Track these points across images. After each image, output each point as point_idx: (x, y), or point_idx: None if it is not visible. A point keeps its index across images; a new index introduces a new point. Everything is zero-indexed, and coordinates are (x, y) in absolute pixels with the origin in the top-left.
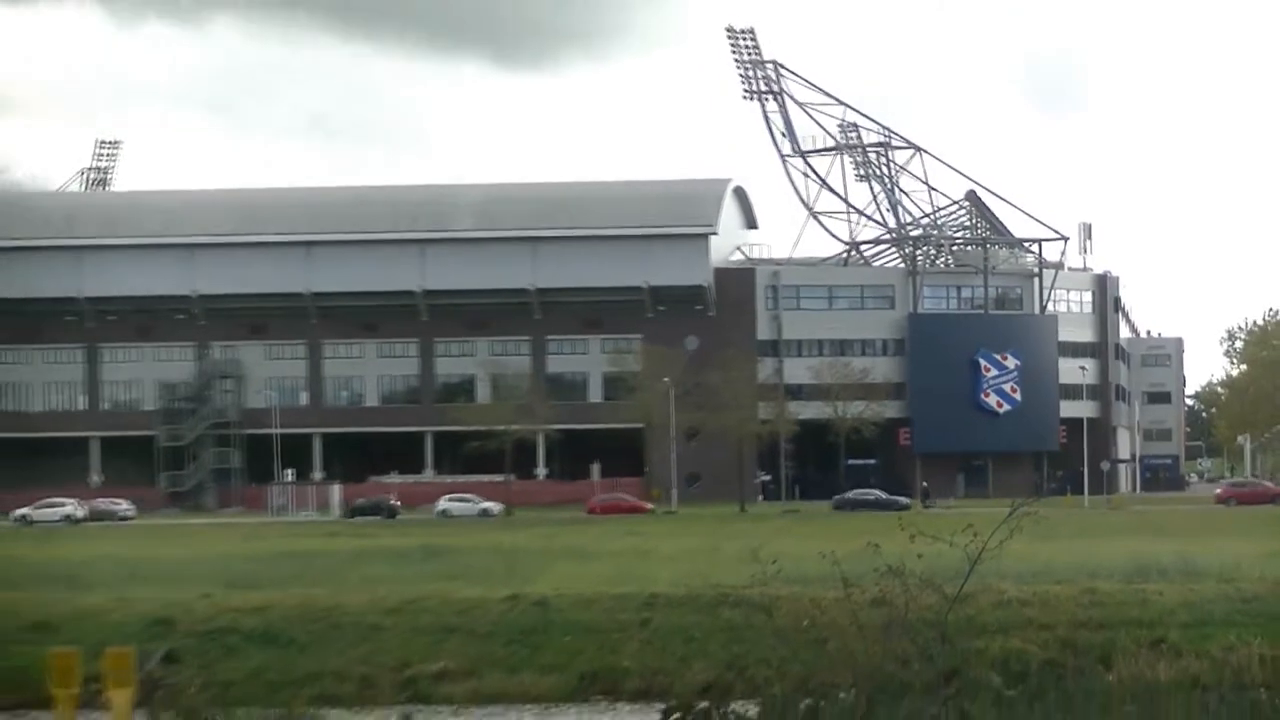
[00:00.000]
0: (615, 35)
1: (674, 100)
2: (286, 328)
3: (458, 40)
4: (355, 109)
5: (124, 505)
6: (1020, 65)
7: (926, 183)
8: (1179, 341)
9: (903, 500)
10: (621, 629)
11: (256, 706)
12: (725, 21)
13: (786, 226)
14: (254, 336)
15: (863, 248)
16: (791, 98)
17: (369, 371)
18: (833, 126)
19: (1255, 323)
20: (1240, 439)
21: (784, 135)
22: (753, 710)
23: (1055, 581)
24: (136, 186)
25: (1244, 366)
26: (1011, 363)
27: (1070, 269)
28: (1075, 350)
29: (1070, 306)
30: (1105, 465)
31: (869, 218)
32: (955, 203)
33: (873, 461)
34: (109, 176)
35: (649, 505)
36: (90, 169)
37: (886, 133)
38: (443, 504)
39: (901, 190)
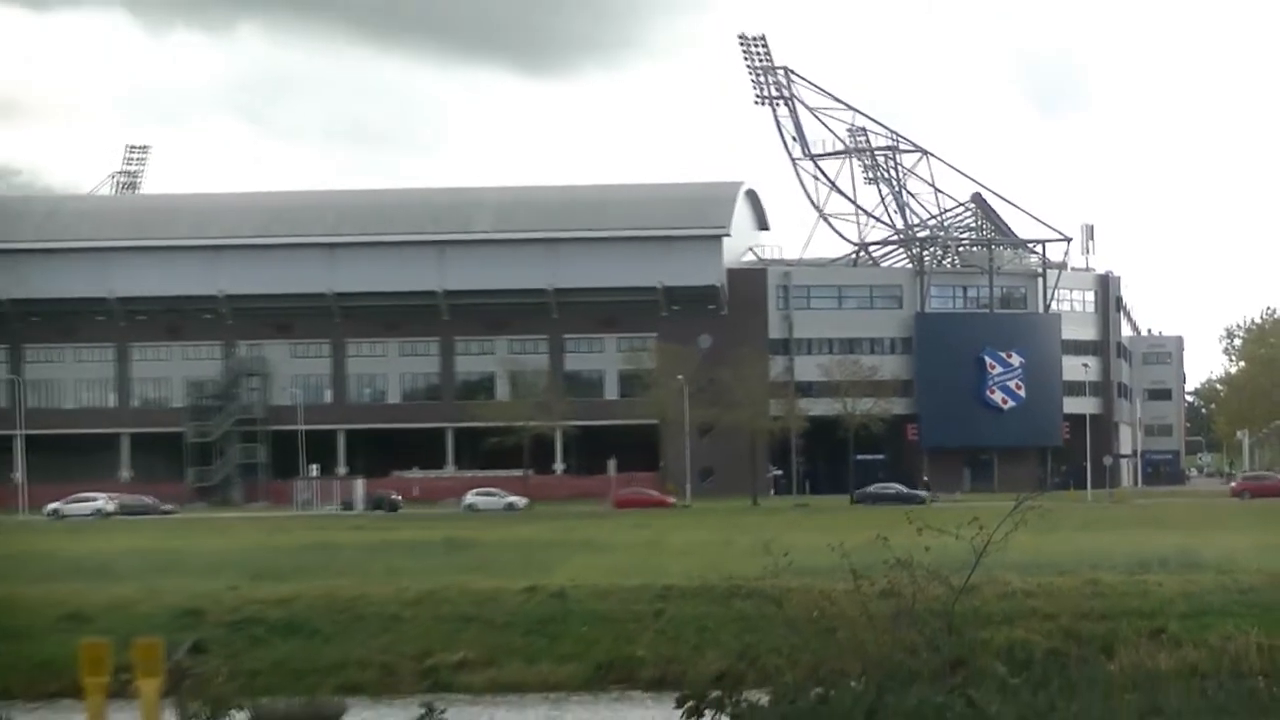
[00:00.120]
0: (632, 44)
1: (688, 106)
2: (311, 327)
3: (479, 48)
4: (378, 115)
5: (151, 500)
6: (1023, 71)
7: (933, 185)
8: (1179, 340)
9: (921, 494)
10: (636, 619)
11: (282, 695)
12: (738, 29)
13: (797, 228)
14: (279, 335)
15: (871, 249)
16: (802, 103)
17: (391, 369)
18: (842, 131)
19: (1253, 321)
20: (1239, 434)
21: (794, 139)
22: (765, 698)
23: (1059, 573)
24: (165, 190)
25: (1242, 364)
26: (1016, 360)
27: (1073, 269)
28: (1078, 348)
29: (1073, 305)
30: (1108, 460)
31: (877, 219)
32: (961, 205)
33: (881, 457)
34: (138, 180)
35: (672, 499)
36: (120, 173)
37: (894, 137)
38: (470, 498)
39: (909, 193)
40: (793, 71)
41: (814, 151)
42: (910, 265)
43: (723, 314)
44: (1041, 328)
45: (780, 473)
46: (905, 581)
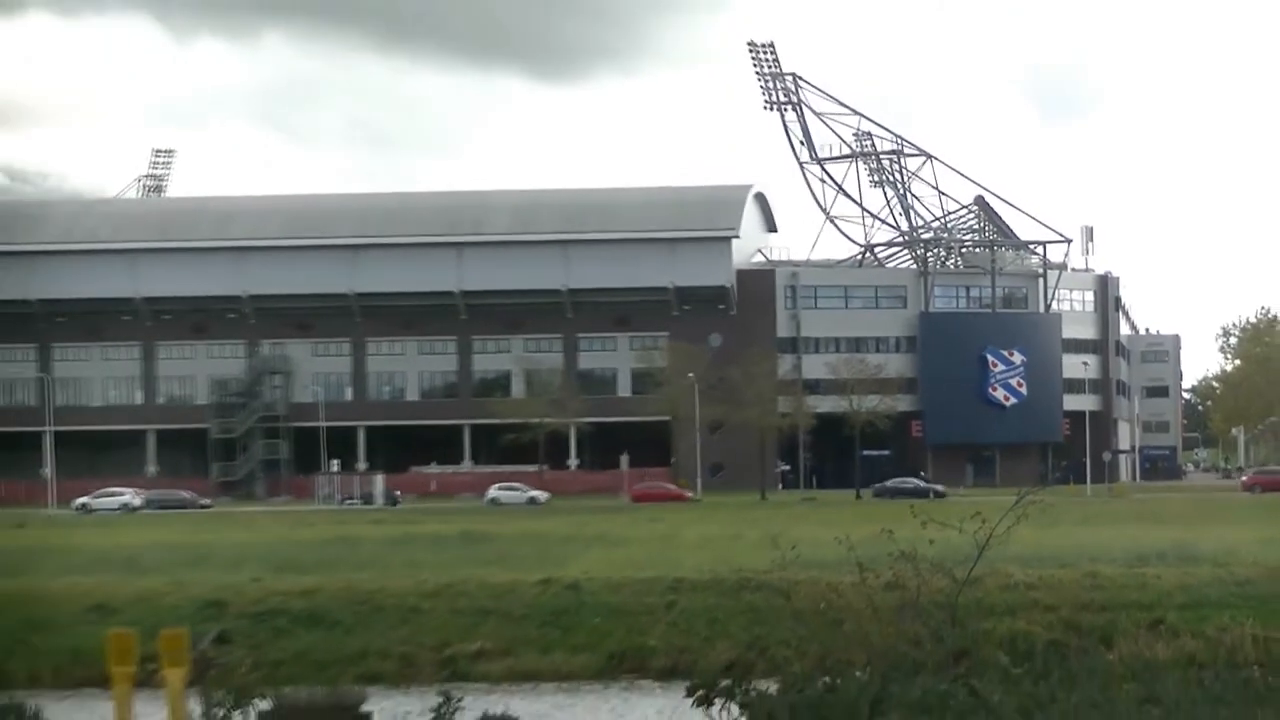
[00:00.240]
0: (644, 50)
1: (698, 111)
2: (332, 326)
3: (495, 56)
4: (397, 120)
5: (188, 494)
6: (1025, 77)
7: (937, 188)
8: (1176, 338)
9: (938, 489)
10: (648, 611)
11: (304, 685)
12: (747, 37)
13: (805, 230)
14: (301, 335)
15: (877, 250)
16: (809, 108)
17: (410, 367)
18: (848, 135)
19: (1249, 320)
20: (1234, 431)
21: (802, 143)
22: (773, 688)
23: (1059, 566)
24: (190, 193)
25: (1238, 362)
26: (1018, 359)
27: (1073, 270)
28: (1078, 347)
29: (1073, 305)
30: (1107, 456)
31: (883, 221)
32: (964, 207)
33: (886, 452)
34: (164, 184)
35: (689, 494)
36: (146, 177)
37: (899, 141)
38: (493, 492)
39: (913, 195)
40: (800, 78)
41: (821, 155)
42: (914, 266)
43: (732, 314)
44: (1042, 327)
45: (788, 468)
46: (910, 574)
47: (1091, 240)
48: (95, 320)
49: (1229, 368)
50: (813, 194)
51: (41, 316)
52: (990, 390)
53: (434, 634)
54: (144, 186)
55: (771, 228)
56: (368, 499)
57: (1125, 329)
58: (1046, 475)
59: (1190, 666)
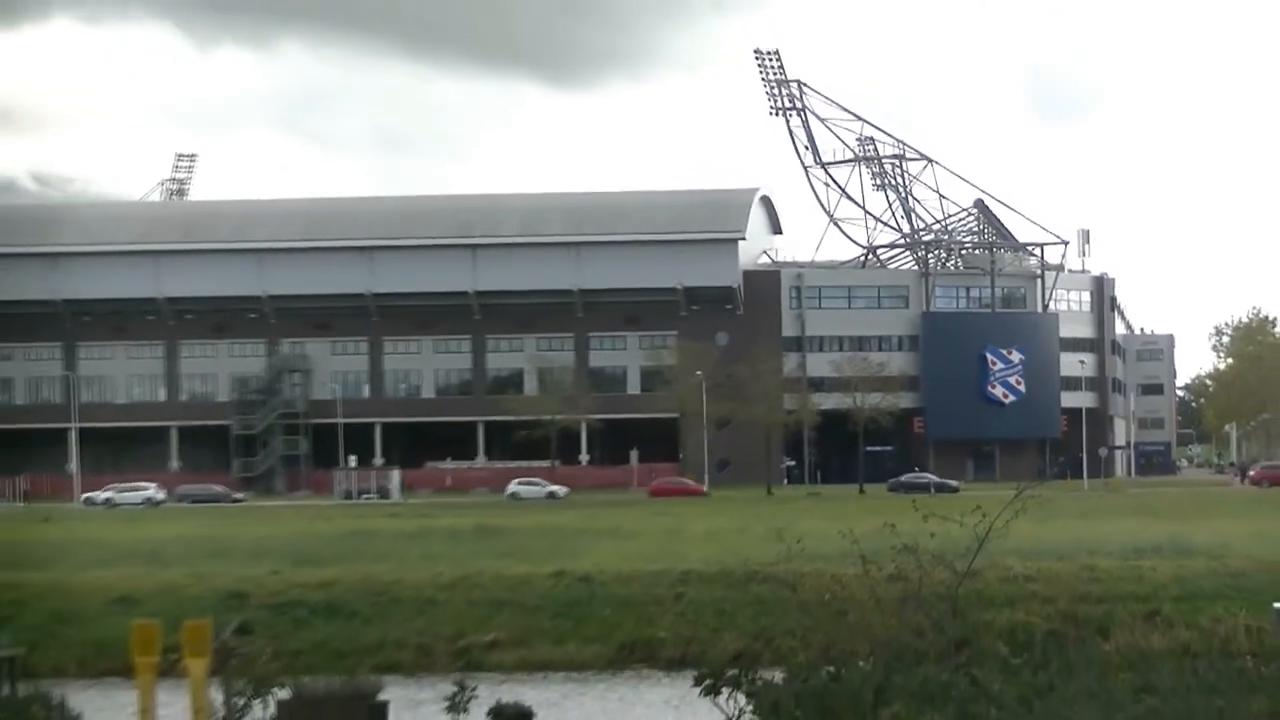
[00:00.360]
0: (653, 57)
1: (706, 116)
2: (350, 326)
3: (508, 62)
4: (412, 125)
5: (221, 489)
6: (1023, 84)
7: (938, 191)
8: (1170, 338)
9: (952, 484)
10: (658, 602)
11: (322, 674)
12: (753, 44)
13: (809, 232)
14: (320, 334)
15: (879, 251)
16: (814, 114)
17: (425, 366)
18: (852, 140)
19: (1241, 320)
20: (1227, 427)
21: (807, 148)
22: (779, 677)
23: (1057, 558)
24: (212, 196)
25: (1230, 360)
26: (1016, 357)
27: (1070, 271)
28: (1075, 346)
29: (1070, 305)
30: (1103, 451)
31: (885, 224)
32: (964, 210)
33: (889, 448)
34: (187, 187)
35: (705, 488)
36: (169, 180)
37: (901, 146)
38: (513, 487)
39: (915, 198)
40: (805, 84)
41: (825, 160)
42: (916, 267)
43: (739, 313)
44: (1040, 326)
45: (793, 463)
46: (912, 566)
47: (1088, 242)
48: (120, 319)
49: (1222, 366)
50: (817, 197)
51: (67, 316)
52: (990, 388)
53: (449, 625)
54: (167, 190)
55: (777, 230)
56: (384, 493)
57: (1121, 328)
58: (1045, 470)
59: (1185, 656)
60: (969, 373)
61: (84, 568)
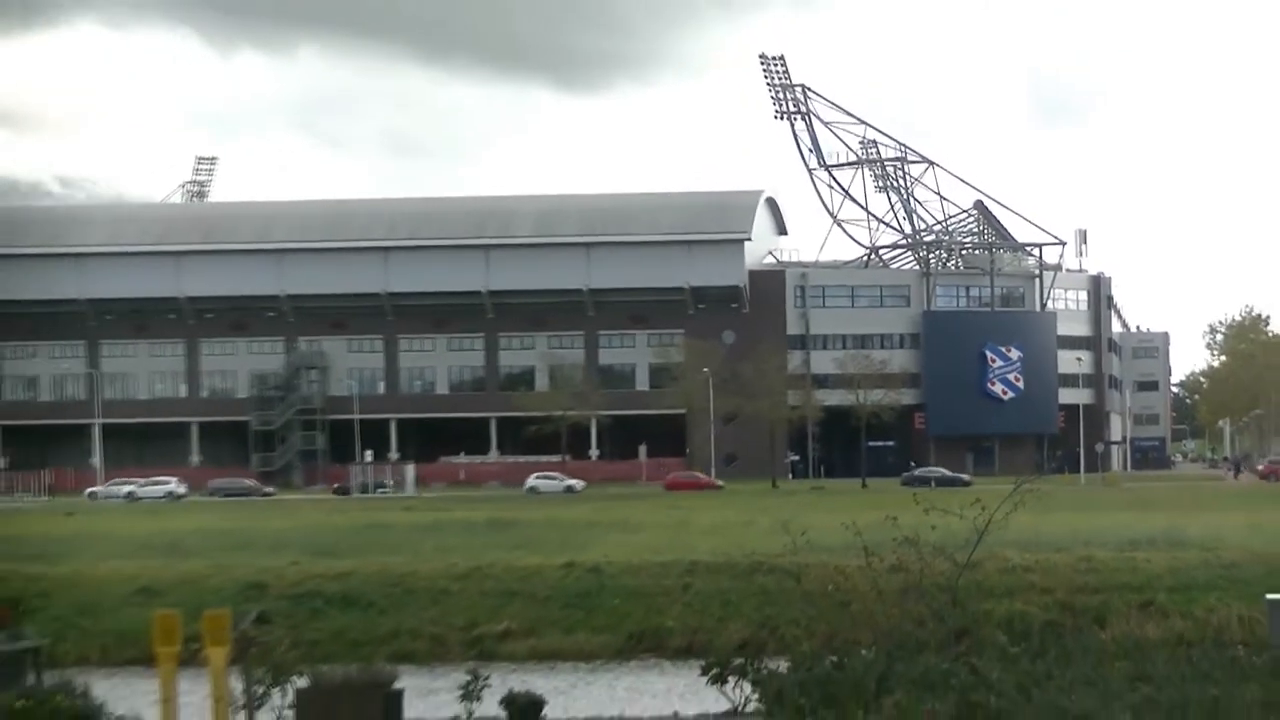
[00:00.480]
0: (661, 62)
1: (713, 120)
2: (366, 324)
3: (519, 66)
4: (426, 128)
5: (251, 483)
6: (1022, 87)
7: (939, 193)
8: (1166, 336)
9: (964, 478)
10: (666, 593)
11: (339, 663)
12: (759, 49)
13: (813, 233)
14: (336, 332)
15: (882, 252)
16: (818, 117)
17: (439, 363)
18: (854, 143)
19: (1234, 318)
20: (1220, 423)
21: (811, 151)
22: (784, 666)
23: (1055, 550)
24: (231, 198)
25: (1224, 358)
26: (1015, 355)
27: (1068, 270)
28: (1072, 343)
29: (1068, 304)
30: (1100, 446)
31: (887, 225)
32: (964, 211)
33: (891, 443)
34: (207, 189)
35: (721, 483)
36: (190, 182)
37: (903, 148)
38: (532, 481)
39: (916, 200)
40: (809, 89)
41: (829, 162)
42: (917, 267)
43: (745, 312)
44: (1038, 324)
45: (797, 458)
46: (913, 558)
47: (1085, 242)
48: (142, 318)
49: (1216, 363)
50: (821, 199)
51: (91, 315)
52: (989, 384)
53: (463, 615)
54: (188, 192)
55: (782, 231)
56: (399, 485)
57: (1117, 326)
58: (1042, 465)
59: (1179, 645)
60: (969, 370)
61: (105, 559)
